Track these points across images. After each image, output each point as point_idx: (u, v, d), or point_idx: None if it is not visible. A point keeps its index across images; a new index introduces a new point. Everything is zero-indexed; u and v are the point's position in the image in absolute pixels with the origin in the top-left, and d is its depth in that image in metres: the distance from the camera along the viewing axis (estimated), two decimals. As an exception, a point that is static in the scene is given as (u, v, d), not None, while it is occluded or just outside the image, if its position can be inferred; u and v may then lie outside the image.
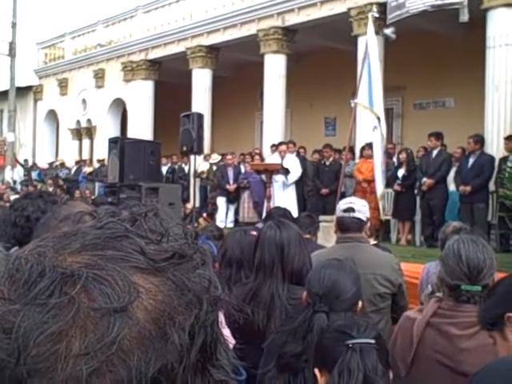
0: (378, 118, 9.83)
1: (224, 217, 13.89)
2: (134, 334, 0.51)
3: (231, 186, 13.76)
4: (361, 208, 3.95)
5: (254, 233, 3.13)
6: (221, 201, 14.05)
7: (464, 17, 11.01)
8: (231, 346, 0.64)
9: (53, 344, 0.49)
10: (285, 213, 5.27)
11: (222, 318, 0.63)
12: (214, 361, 0.58)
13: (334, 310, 2.18)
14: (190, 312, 0.55)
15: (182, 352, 0.53)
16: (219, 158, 15.04)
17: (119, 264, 0.54)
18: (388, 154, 12.81)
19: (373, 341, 1.83)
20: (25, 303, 0.51)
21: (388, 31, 11.63)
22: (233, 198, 13.86)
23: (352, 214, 3.93)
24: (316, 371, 1.87)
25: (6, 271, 0.54)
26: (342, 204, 4.01)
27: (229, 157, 14.27)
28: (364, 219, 3.89)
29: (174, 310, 0.54)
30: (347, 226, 3.81)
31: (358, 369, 1.76)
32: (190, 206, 13.92)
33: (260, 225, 5.49)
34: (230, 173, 13.95)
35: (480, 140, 10.40)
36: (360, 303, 2.30)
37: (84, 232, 0.57)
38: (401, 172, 11.44)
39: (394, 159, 12.47)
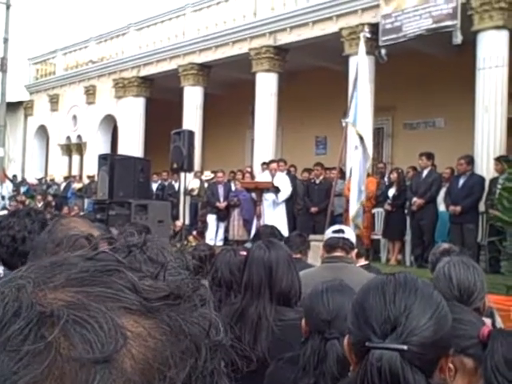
0: (361, 138, 9.82)
1: (214, 235, 13.82)
2: None
3: (221, 204, 13.72)
4: (350, 233, 3.99)
5: (244, 253, 3.09)
6: (211, 218, 13.99)
7: (457, 39, 11.13)
8: None
9: None
10: (273, 231, 5.23)
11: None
12: None
13: (343, 334, 2.10)
14: (185, 363, 0.48)
15: None
16: (212, 175, 15.01)
17: (106, 304, 0.47)
18: (380, 174, 12.85)
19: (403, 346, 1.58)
20: None
21: (382, 52, 11.74)
22: (223, 216, 13.80)
23: (341, 235, 3.93)
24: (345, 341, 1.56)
25: None
26: (332, 228, 4.06)
27: (219, 174, 14.24)
28: (353, 242, 3.89)
29: (165, 362, 0.47)
30: (335, 246, 3.81)
31: None
32: (179, 223, 13.86)
33: (249, 244, 5.45)
34: (221, 190, 13.91)
35: (471, 161, 10.46)
36: None
37: (71, 263, 0.51)
38: (391, 192, 11.45)
39: (386, 179, 12.49)
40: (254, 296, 2.70)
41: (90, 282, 0.49)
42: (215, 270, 3.05)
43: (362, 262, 4.87)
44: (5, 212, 15.76)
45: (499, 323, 3.21)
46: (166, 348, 0.47)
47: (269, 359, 2.56)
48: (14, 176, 22.69)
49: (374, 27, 12.43)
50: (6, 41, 22.48)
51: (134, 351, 0.46)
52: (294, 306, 2.76)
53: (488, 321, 2.14)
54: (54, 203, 18.62)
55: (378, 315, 1.28)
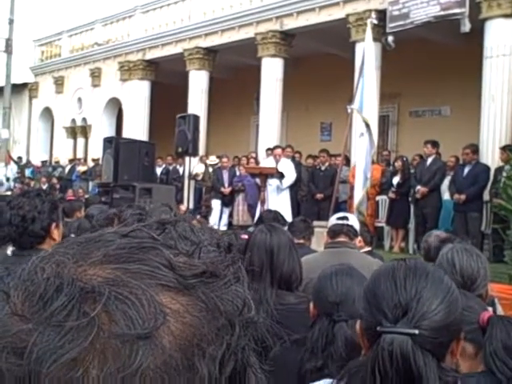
0: (367, 125, 9.78)
1: (218, 219, 13.85)
2: (159, 363, 0.45)
3: (226, 189, 13.73)
4: (354, 221, 4.00)
5: (245, 236, 3.10)
6: (215, 203, 14.01)
7: (465, 27, 11.05)
8: None
9: (68, 372, 0.44)
10: (276, 216, 5.24)
11: None
12: None
13: (351, 317, 2.12)
14: (221, 340, 0.49)
15: (210, 383, 0.47)
16: (217, 160, 15.01)
17: (145, 281, 0.48)
18: (385, 162, 12.83)
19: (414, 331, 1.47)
20: (39, 322, 0.45)
21: (390, 39, 11.67)
22: (227, 201, 13.82)
23: (345, 222, 3.95)
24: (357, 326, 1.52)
25: (21, 281, 0.49)
26: (336, 215, 4.07)
27: (224, 160, 14.23)
28: (356, 229, 3.91)
29: (203, 338, 0.48)
30: (338, 232, 3.82)
31: None
32: (183, 207, 13.88)
33: (252, 229, 5.46)
34: (225, 176, 13.92)
35: (476, 150, 10.44)
36: None
37: (107, 240, 0.52)
38: (396, 179, 11.44)
39: (390, 167, 12.47)
40: (255, 279, 2.72)
41: (127, 258, 0.49)
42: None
43: (366, 248, 4.88)
44: (9, 193, 15.81)
45: (500, 311, 3.22)
46: (203, 325, 0.48)
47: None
48: (19, 158, 22.72)
49: (381, 13, 12.35)
50: (11, 22, 22.44)
51: (173, 327, 0.47)
52: (294, 290, 2.77)
53: (489, 309, 2.15)
54: (58, 186, 18.66)
55: (389, 300, 1.29)
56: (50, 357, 0.44)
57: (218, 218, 13.90)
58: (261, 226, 3.04)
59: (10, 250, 2.75)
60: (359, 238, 4.11)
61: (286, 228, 3.15)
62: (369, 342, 1.33)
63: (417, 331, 1.23)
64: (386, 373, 1.22)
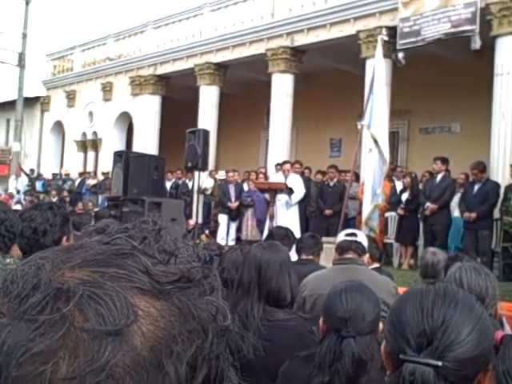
0: (375, 141, 9.77)
1: (225, 234, 13.83)
2: (128, 361, 0.47)
3: (233, 204, 13.72)
4: (363, 237, 4.00)
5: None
6: (222, 218, 13.99)
7: (475, 44, 11.06)
8: None
9: (38, 365, 0.45)
10: (286, 232, 5.23)
11: None
12: None
13: (360, 333, 2.11)
14: (191, 341, 0.50)
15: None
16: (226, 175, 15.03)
17: (120, 283, 0.50)
18: (396, 178, 12.76)
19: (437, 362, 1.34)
20: (13, 317, 0.47)
21: (400, 56, 11.68)
22: (234, 216, 13.80)
23: (354, 238, 3.94)
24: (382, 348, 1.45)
25: (2, 282, 0.52)
26: (345, 231, 4.08)
27: (230, 174, 14.23)
28: (365, 245, 3.90)
29: (173, 339, 0.49)
30: (347, 248, 3.82)
31: None
32: (192, 222, 13.88)
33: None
34: (232, 190, 13.91)
35: (484, 168, 10.38)
36: (381, 325, 2.23)
37: (88, 246, 0.54)
38: (404, 196, 11.40)
39: (398, 183, 12.42)
40: (244, 294, 2.74)
41: (105, 263, 0.51)
42: (222, 268, 3.07)
43: (374, 265, 4.86)
44: (18, 206, 15.88)
45: (508, 330, 3.19)
46: (174, 327, 0.50)
47: (253, 359, 2.59)
48: (32, 170, 22.85)
49: (392, 30, 12.39)
50: (24, 36, 22.68)
51: (145, 329, 0.48)
52: (284, 308, 2.77)
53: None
54: (68, 199, 18.73)
55: (414, 327, 1.24)
56: (20, 349, 0.46)
57: (225, 232, 13.87)
58: (259, 242, 3.06)
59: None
60: (367, 254, 4.10)
61: (283, 247, 3.15)
62: (392, 365, 1.28)
63: (440, 363, 1.18)
64: None
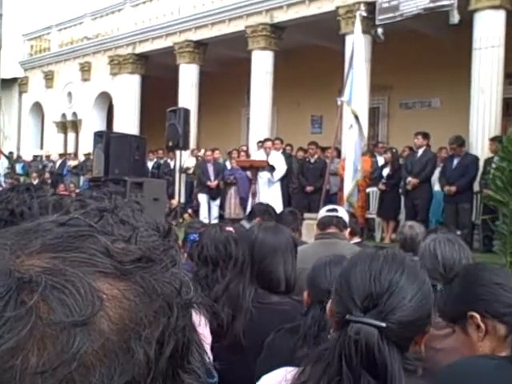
0: (356, 117, 9.81)
1: (207, 213, 13.84)
2: (97, 347, 0.47)
3: (212, 183, 13.71)
4: (343, 213, 4.04)
5: (230, 229, 3.10)
6: (202, 197, 13.97)
7: (454, 19, 11.07)
8: (207, 345, 0.60)
9: (7, 360, 0.45)
10: (267, 208, 5.25)
11: (202, 318, 0.59)
12: (186, 365, 0.54)
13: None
14: (158, 322, 0.50)
15: (148, 365, 0.49)
16: (209, 153, 14.99)
17: (82, 268, 0.49)
18: (372, 153, 12.85)
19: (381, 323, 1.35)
20: None
21: (379, 31, 11.67)
22: (215, 195, 13.80)
23: (335, 214, 3.99)
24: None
25: None
26: (326, 207, 4.11)
27: (208, 153, 14.19)
28: (346, 220, 3.95)
29: (140, 321, 0.49)
30: (328, 223, 3.86)
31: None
32: (175, 201, 13.88)
33: (244, 221, 5.47)
34: (210, 169, 13.89)
35: (462, 142, 10.47)
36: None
37: (45, 229, 0.52)
38: (385, 171, 11.48)
39: (380, 158, 12.49)
40: (237, 274, 2.74)
41: (64, 247, 0.51)
42: (201, 246, 3.06)
43: (355, 239, 4.92)
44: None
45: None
46: (139, 308, 0.50)
47: (243, 340, 2.60)
48: (11, 153, 22.62)
49: (371, 6, 12.36)
50: (0, 17, 22.28)
51: (111, 312, 0.48)
52: (278, 292, 2.76)
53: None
54: (49, 180, 18.61)
55: (361, 290, 1.30)
56: None
57: (206, 211, 13.87)
58: (264, 224, 3.05)
59: None
60: (348, 229, 4.15)
61: (287, 229, 3.12)
62: (337, 324, 1.35)
63: (384, 324, 1.25)
64: (351, 359, 1.25)
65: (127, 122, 18.60)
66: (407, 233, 4.11)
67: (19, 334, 0.46)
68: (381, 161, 12.18)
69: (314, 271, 2.30)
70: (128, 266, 0.51)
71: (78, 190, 15.56)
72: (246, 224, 5.15)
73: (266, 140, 12.87)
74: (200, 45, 16.91)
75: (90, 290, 0.48)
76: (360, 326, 1.26)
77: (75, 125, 21.48)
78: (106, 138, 11.87)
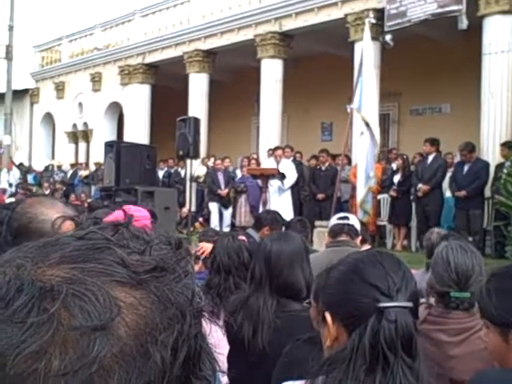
0: (367, 124, 9.81)
1: (218, 221, 13.86)
2: (116, 351, 0.50)
3: (223, 191, 13.74)
4: (355, 220, 4.03)
5: (243, 238, 3.11)
6: (213, 206, 14.01)
7: (462, 24, 11.06)
8: (225, 353, 0.63)
9: (31, 363, 0.48)
10: (274, 216, 5.22)
11: (214, 327, 0.62)
12: (198, 372, 0.56)
13: None
14: (172, 328, 0.53)
15: (164, 368, 0.52)
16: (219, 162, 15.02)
17: (100, 278, 0.52)
18: (387, 160, 12.84)
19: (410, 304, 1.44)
20: (2, 321, 0.49)
21: (388, 38, 11.68)
22: (226, 203, 13.82)
23: (346, 221, 3.98)
24: (328, 316, 1.51)
25: None
26: (337, 215, 4.11)
27: (218, 161, 14.24)
28: (357, 228, 3.94)
29: (156, 327, 0.52)
30: (339, 231, 3.85)
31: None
32: (185, 210, 13.89)
33: (251, 230, 5.44)
34: (221, 177, 13.94)
35: (473, 148, 10.43)
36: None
37: (64, 243, 0.56)
38: (396, 178, 11.46)
39: (393, 165, 12.47)
40: (256, 287, 2.71)
41: (83, 259, 0.54)
42: (214, 255, 3.05)
43: (366, 246, 4.91)
44: (12, 199, 15.84)
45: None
46: (155, 315, 0.53)
47: (269, 351, 2.56)
48: (21, 164, 22.76)
49: (380, 12, 12.38)
50: (11, 28, 22.49)
51: (128, 319, 0.51)
52: (300, 299, 2.74)
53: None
54: (61, 191, 18.70)
55: (383, 280, 1.42)
56: (13, 351, 0.48)
57: (217, 220, 13.89)
58: (274, 233, 3.02)
59: None
60: (360, 237, 4.14)
61: (299, 236, 3.08)
62: (347, 328, 1.41)
63: (411, 304, 1.40)
64: (393, 344, 1.33)
65: (138, 131, 18.69)
66: (434, 239, 4.10)
67: (42, 338, 0.48)
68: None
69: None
70: (143, 276, 0.54)
71: (89, 200, 15.63)
72: (252, 233, 5.14)
73: (277, 148, 12.88)
74: (209, 54, 16.98)
75: (108, 298, 0.51)
76: (396, 310, 1.37)
77: (86, 135, 21.60)
78: (117, 148, 11.94)
